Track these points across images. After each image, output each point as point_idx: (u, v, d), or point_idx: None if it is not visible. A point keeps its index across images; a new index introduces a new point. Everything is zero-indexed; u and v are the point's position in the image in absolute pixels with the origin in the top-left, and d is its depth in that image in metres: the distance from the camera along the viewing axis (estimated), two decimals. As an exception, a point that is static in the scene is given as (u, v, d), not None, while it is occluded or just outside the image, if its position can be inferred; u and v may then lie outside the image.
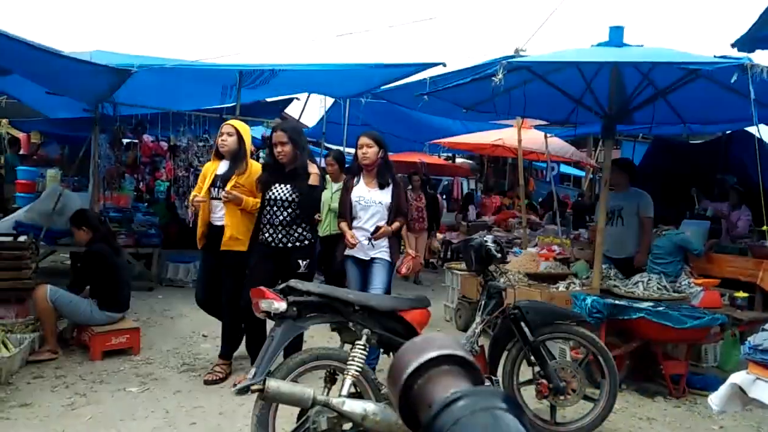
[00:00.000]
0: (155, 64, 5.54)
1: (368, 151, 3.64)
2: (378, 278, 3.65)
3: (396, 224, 3.71)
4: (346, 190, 3.79)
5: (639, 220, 4.86)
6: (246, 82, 6.41)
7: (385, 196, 3.68)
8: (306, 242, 3.61)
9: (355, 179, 3.77)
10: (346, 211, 3.74)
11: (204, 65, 6.14)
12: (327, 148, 11.77)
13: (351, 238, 3.64)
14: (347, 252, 3.72)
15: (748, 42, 4.20)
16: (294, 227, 3.56)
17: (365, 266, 3.72)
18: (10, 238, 4.57)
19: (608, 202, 4.99)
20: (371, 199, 3.67)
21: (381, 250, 3.70)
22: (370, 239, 3.66)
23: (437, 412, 0.49)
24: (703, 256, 5.61)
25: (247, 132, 3.84)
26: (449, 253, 8.62)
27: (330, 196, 5.09)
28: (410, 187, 8.29)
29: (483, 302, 3.16)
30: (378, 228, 3.63)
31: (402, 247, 4.15)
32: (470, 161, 15.31)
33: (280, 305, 2.41)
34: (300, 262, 3.53)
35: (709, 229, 6.23)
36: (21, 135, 10.53)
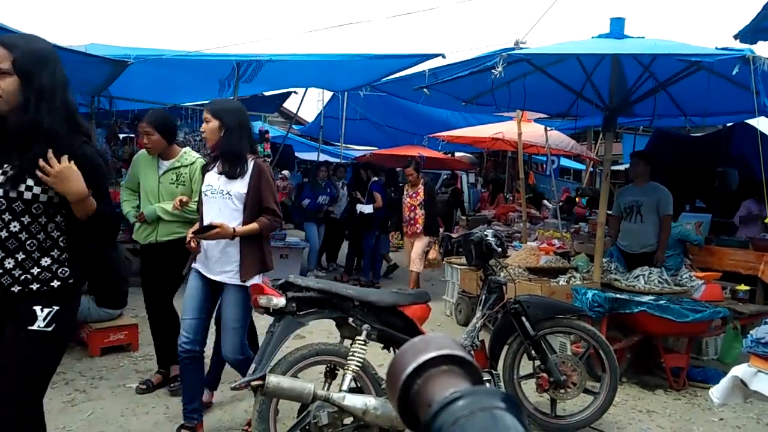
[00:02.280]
0: (152, 55, 5.51)
1: (205, 127, 2.75)
2: (228, 310, 2.73)
3: (249, 226, 2.67)
4: (201, 179, 2.95)
5: (658, 217, 4.79)
6: (243, 75, 6.39)
7: (238, 185, 2.71)
8: (55, 283, 1.77)
9: (212, 164, 2.85)
10: (199, 206, 2.90)
11: (200, 55, 6.11)
12: (326, 143, 11.86)
13: (189, 239, 2.71)
14: (195, 264, 2.84)
15: (750, 33, 4.18)
16: (29, 254, 1.75)
17: (214, 288, 2.81)
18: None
19: (626, 197, 4.99)
20: (218, 189, 2.74)
21: (229, 269, 2.71)
22: (197, 242, 2.71)
23: (436, 412, 0.49)
24: (704, 246, 5.62)
25: None
26: (449, 247, 8.60)
27: (153, 181, 3.40)
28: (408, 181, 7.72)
29: (483, 297, 3.15)
30: (207, 227, 2.61)
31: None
32: (470, 155, 15.30)
33: (279, 301, 2.40)
34: (38, 310, 1.72)
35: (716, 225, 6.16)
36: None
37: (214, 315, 3.00)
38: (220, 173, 2.75)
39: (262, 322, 4.62)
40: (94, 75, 5.61)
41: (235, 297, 2.72)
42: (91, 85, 6.06)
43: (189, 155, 3.43)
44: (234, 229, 2.64)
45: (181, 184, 3.38)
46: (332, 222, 7.88)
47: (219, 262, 2.72)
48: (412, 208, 6.21)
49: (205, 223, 2.69)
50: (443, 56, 5.66)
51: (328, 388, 2.50)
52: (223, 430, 3.05)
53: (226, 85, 6.89)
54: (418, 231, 6.12)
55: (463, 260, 4.54)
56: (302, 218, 7.84)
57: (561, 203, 8.96)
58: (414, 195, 6.23)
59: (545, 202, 10.18)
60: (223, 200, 2.72)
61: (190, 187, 3.38)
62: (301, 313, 2.44)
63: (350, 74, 6.78)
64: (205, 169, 2.89)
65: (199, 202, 2.89)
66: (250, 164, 2.74)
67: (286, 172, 11.63)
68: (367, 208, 7.24)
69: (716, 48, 3.75)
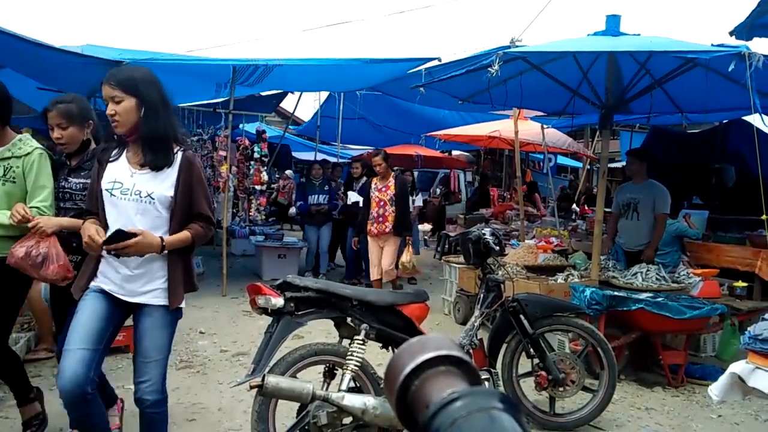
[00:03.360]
0: (147, 58, 5.51)
1: (116, 108, 2.04)
2: (151, 338, 2.14)
3: (180, 236, 2.11)
4: (98, 171, 2.16)
5: (654, 216, 4.81)
6: (240, 80, 6.38)
7: (163, 186, 2.10)
8: None
9: (115, 151, 2.16)
10: (92, 206, 2.17)
11: (197, 59, 6.11)
12: (323, 143, 11.85)
13: (93, 234, 1.98)
14: (95, 282, 2.14)
15: (746, 30, 4.19)
16: None
17: (123, 312, 2.20)
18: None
19: (624, 194, 5.02)
20: (133, 189, 2.08)
21: (154, 287, 2.13)
22: (112, 253, 2.01)
23: (434, 413, 0.49)
24: (701, 240, 5.65)
25: None
26: (446, 246, 8.59)
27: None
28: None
29: (482, 295, 3.15)
30: (122, 234, 1.95)
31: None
32: (467, 153, 15.31)
33: (278, 301, 2.39)
34: None
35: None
36: (14, 132, 10.49)
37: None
38: (142, 166, 2.09)
39: (260, 323, 4.63)
40: (90, 76, 5.61)
41: (160, 321, 2.13)
42: (87, 85, 6.05)
43: (25, 143, 2.60)
44: (162, 240, 2.06)
45: (9, 181, 2.54)
46: (334, 222, 7.64)
47: (141, 280, 2.11)
48: (381, 203, 5.47)
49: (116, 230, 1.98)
50: (439, 59, 5.69)
51: (326, 388, 2.50)
52: (223, 431, 3.05)
53: (222, 86, 6.90)
54: (387, 230, 5.42)
55: (461, 259, 4.54)
56: (302, 220, 7.64)
57: (558, 203, 8.98)
58: (383, 189, 5.51)
59: (536, 195, 10.26)
60: (142, 204, 2.08)
61: (22, 185, 2.55)
62: (299, 313, 2.44)
63: (346, 79, 6.78)
64: (103, 158, 2.15)
65: (93, 202, 2.16)
66: (177, 156, 2.13)
67: (289, 172, 11.63)
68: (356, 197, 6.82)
69: (712, 45, 3.76)
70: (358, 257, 7.14)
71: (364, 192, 5.88)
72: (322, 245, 7.34)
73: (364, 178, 7.03)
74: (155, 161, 2.10)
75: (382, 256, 5.46)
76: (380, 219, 5.45)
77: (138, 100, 2.06)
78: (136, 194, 2.09)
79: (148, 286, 2.14)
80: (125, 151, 2.16)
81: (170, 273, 2.14)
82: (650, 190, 4.85)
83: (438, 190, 11.20)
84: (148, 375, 2.17)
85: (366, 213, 5.60)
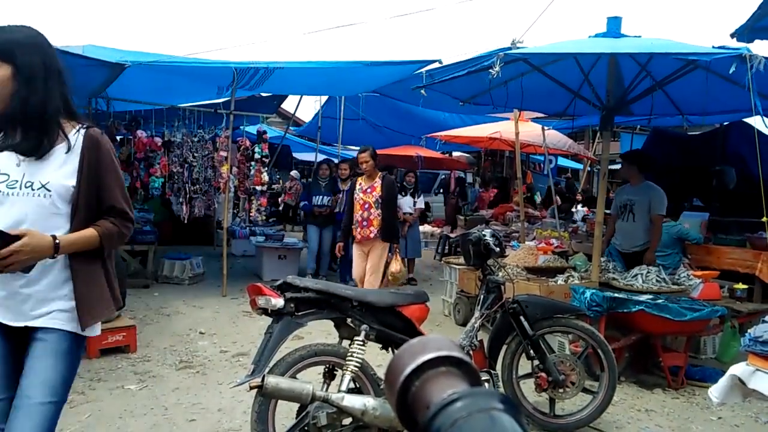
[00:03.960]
0: (150, 61, 5.50)
1: None
2: (38, 371, 1.58)
3: (81, 234, 1.65)
4: None
5: (649, 217, 4.80)
6: (241, 83, 6.38)
7: (60, 174, 1.65)
8: None
9: None
10: None
11: (198, 62, 6.11)
12: (324, 144, 11.84)
13: None
14: None
15: (747, 32, 4.20)
16: None
17: (23, 343, 1.63)
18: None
19: (621, 196, 5.03)
20: (23, 180, 1.64)
21: (54, 307, 1.63)
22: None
23: (435, 414, 0.49)
24: (702, 243, 5.65)
25: None
26: (446, 247, 8.58)
27: None
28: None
29: (482, 296, 3.15)
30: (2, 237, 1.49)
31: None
32: (467, 155, 15.32)
33: (278, 302, 2.40)
34: None
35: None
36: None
37: None
38: (21, 153, 1.64)
39: (260, 323, 4.63)
40: (92, 78, 5.61)
41: (55, 349, 1.61)
42: (89, 87, 6.06)
43: None
44: (55, 238, 1.58)
45: None
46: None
47: (34, 298, 1.62)
48: (366, 206, 4.92)
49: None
50: (440, 62, 5.70)
51: (326, 389, 2.50)
52: (222, 431, 3.05)
53: (224, 89, 6.90)
54: (372, 236, 4.88)
55: (462, 260, 4.54)
56: (305, 221, 7.58)
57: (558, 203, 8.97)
58: (368, 190, 4.97)
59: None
60: (35, 199, 1.63)
61: None
62: (299, 313, 2.44)
63: (347, 83, 6.77)
64: None
65: None
66: (77, 136, 1.68)
67: (294, 173, 11.64)
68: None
69: (713, 47, 3.76)
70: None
71: (349, 193, 5.32)
72: (324, 247, 7.29)
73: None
74: (21, 144, 1.63)
75: (366, 267, 4.93)
76: (364, 223, 4.91)
77: (14, 68, 1.61)
78: (27, 187, 1.62)
79: (44, 305, 1.62)
80: (6, 135, 1.69)
81: (78, 286, 1.64)
82: (646, 191, 4.85)
83: (454, 193, 11.34)
84: (23, 426, 1.51)
85: (350, 216, 5.07)
